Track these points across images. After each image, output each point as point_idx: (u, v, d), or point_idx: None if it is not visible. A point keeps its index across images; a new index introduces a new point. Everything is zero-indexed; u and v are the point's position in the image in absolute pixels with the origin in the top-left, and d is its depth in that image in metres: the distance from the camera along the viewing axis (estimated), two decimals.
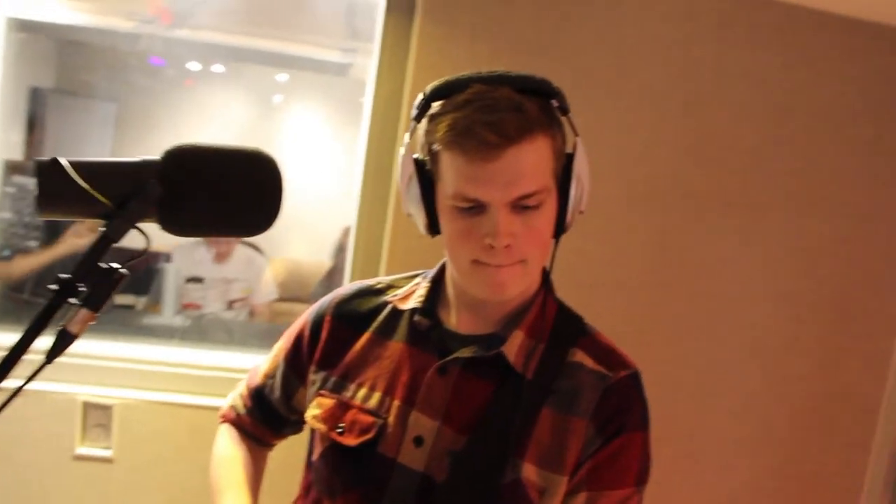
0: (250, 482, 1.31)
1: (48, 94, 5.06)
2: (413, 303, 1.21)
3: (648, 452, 1.14)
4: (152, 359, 2.09)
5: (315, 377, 1.24)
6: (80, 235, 2.95)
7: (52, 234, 2.95)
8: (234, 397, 1.41)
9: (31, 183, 2.81)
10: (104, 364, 2.05)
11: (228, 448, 1.35)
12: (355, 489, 1.15)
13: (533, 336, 1.14)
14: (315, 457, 1.22)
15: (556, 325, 1.17)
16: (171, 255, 3.84)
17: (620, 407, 1.11)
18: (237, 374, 2.03)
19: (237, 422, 1.38)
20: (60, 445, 2.01)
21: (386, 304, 1.24)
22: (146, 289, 3.76)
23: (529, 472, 1.08)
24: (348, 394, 1.18)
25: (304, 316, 1.30)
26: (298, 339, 1.29)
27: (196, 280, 3.87)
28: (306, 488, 1.25)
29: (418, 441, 1.11)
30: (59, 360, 2.17)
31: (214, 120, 6.33)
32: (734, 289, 2.20)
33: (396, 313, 1.22)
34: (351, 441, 1.14)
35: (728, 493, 2.27)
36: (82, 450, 2.01)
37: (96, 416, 1.98)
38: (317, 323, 1.27)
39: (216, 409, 1.99)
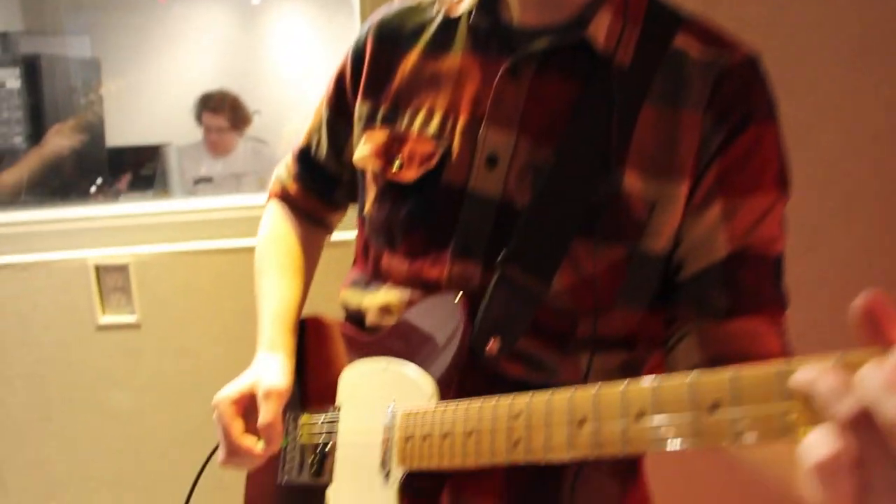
0: (298, 261, 1.13)
1: (19, 38, 4.88)
2: (467, 3, 0.97)
3: (785, 151, 0.90)
4: (162, 210, 1.87)
5: (362, 110, 1.03)
6: (63, 135, 2.75)
7: (35, 128, 2.74)
8: (279, 168, 1.22)
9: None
10: (111, 224, 1.83)
11: (274, 226, 1.18)
12: (418, 230, 0.95)
13: (623, 16, 0.90)
14: (367, 206, 1.02)
15: (652, 7, 0.93)
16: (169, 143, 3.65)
17: (741, 93, 0.88)
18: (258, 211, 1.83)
19: (284, 195, 1.21)
20: (81, 318, 1.81)
21: (436, 14, 1.01)
22: (150, 184, 3.58)
23: (633, 181, 0.87)
24: (403, 122, 0.98)
25: (346, 51, 1.09)
26: (340, 77, 1.08)
27: (205, 180, 3.70)
28: (363, 248, 1.06)
29: (492, 161, 0.90)
30: (61, 226, 1.96)
31: (195, 36, 6.06)
32: None
33: (450, 21, 0.99)
34: (410, 175, 0.94)
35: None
36: (106, 318, 1.80)
37: (113, 279, 1.78)
38: (358, 50, 1.05)
39: (241, 250, 1.82)
